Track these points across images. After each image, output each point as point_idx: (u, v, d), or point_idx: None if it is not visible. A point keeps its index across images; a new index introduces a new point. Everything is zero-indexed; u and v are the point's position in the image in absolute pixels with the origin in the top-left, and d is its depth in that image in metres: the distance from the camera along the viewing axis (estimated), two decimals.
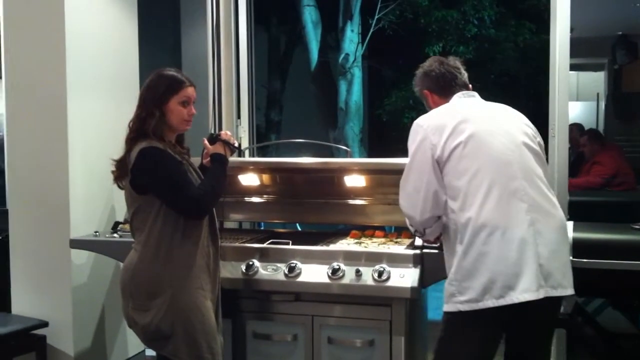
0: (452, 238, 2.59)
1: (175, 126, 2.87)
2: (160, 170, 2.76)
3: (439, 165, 2.58)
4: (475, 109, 2.73)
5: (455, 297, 2.51)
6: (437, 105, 2.82)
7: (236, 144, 3.06)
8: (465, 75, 2.87)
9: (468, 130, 2.58)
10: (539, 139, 2.75)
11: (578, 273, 3.20)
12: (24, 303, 4.05)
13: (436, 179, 2.58)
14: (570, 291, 2.56)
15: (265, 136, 13.02)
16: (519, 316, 2.50)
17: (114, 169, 2.87)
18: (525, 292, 2.42)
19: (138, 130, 2.81)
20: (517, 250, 2.45)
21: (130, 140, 2.81)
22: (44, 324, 3.92)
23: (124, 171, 2.82)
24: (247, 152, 4.58)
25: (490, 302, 2.43)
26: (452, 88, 2.82)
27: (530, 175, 2.56)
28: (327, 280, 3.16)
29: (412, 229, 2.76)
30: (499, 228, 2.46)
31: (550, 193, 2.61)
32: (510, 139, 2.60)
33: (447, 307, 2.55)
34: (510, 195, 2.50)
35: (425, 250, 3.14)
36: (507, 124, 2.67)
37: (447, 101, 2.80)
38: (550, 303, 2.50)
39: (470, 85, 2.88)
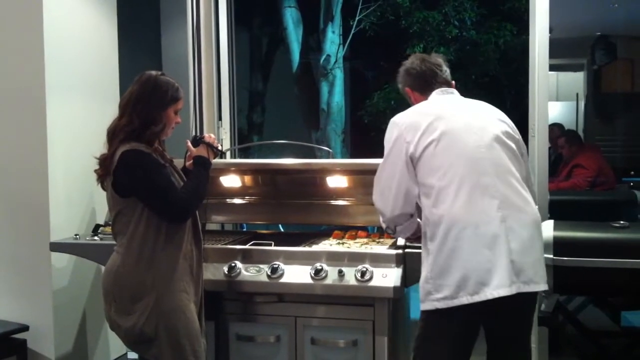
0: (425, 236, 2.61)
1: (165, 133, 2.86)
2: (143, 173, 2.73)
3: (412, 162, 2.60)
4: (450, 105, 2.75)
5: (431, 294, 2.53)
6: (417, 102, 2.83)
7: (220, 147, 3.04)
8: (446, 72, 2.87)
9: (441, 127, 2.60)
10: (517, 135, 2.74)
11: (559, 271, 3.23)
12: (4, 307, 4.00)
13: (409, 176, 2.60)
14: (543, 287, 2.57)
15: (248, 138, 12.97)
16: (494, 312, 2.52)
17: (97, 167, 2.82)
18: (498, 287, 2.44)
19: (131, 133, 2.75)
20: (489, 246, 2.46)
21: (119, 142, 2.76)
22: (25, 328, 3.88)
23: (107, 170, 2.78)
24: (228, 154, 4.56)
25: (465, 299, 2.46)
26: (432, 86, 2.82)
27: (501, 172, 2.57)
28: (310, 280, 3.16)
29: (384, 226, 2.76)
30: (471, 224, 2.48)
31: (523, 189, 2.61)
32: (483, 136, 2.61)
33: (425, 306, 2.57)
34: (482, 191, 2.51)
35: (407, 250, 3.15)
36: (481, 120, 2.68)
37: (426, 99, 2.82)
38: (523, 299, 2.52)
39: (453, 82, 2.89)
